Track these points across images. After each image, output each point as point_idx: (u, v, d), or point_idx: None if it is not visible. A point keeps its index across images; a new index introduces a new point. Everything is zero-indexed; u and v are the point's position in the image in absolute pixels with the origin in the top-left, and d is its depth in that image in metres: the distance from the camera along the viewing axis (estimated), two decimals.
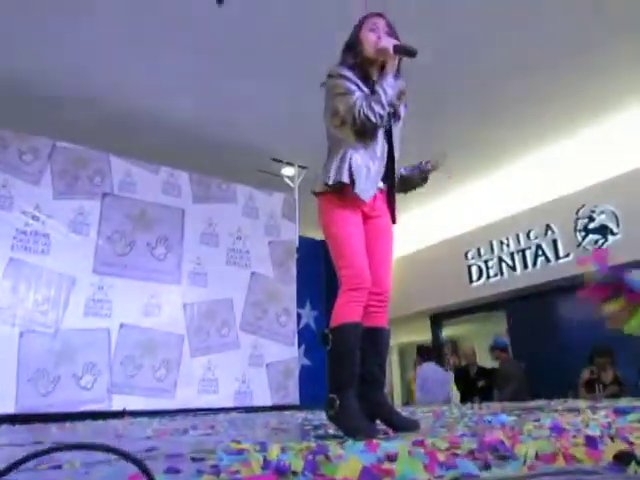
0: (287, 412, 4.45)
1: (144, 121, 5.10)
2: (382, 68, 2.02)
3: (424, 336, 8.21)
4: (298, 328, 5.87)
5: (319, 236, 2.13)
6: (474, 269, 6.57)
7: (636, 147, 5.24)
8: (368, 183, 1.96)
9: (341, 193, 1.95)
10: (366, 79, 2.03)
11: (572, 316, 5.97)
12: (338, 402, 1.75)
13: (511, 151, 5.94)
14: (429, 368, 5.83)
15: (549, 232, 5.84)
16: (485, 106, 5.07)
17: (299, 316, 6.10)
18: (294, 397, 5.35)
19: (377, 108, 1.86)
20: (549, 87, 4.80)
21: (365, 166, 1.96)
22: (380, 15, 2.07)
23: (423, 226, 7.33)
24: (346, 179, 1.90)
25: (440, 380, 5.75)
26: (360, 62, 2.02)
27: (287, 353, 5.46)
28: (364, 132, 1.95)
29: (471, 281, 6.57)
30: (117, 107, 4.88)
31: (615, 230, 5.27)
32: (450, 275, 6.75)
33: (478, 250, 6.55)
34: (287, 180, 6.12)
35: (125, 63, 4.39)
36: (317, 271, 6.41)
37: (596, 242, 5.41)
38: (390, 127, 2.07)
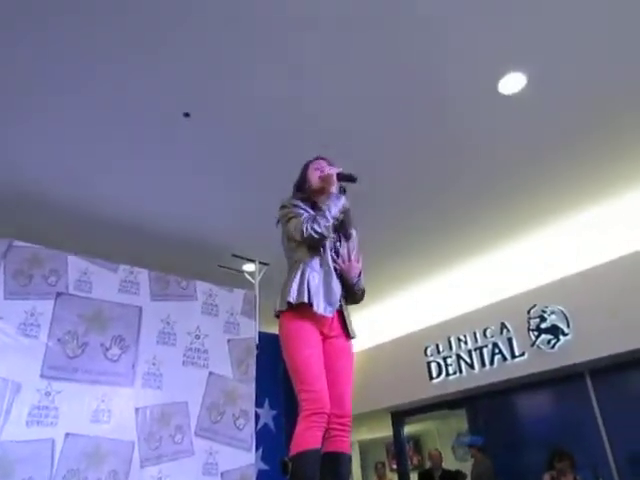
0: None
1: (104, 220, 5.11)
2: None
3: (385, 432, 8.03)
4: (256, 429, 5.64)
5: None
6: (433, 365, 6.59)
7: (583, 250, 5.55)
8: (329, 298, 2.09)
9: (302, 311, 2.04)
10: (314, 207, 2.27)
11: (530, 415, 6.01)
12: None
13: (466, 251, 6.19)
14: None
15: (504, 330, 5.99)
16: (440, 209, 5.31)
17: (257, 416, 5.88)
18: None
19: (322, 221, 2.09)
20: (502, 190, 5.09)
21: (325, 283, 2.10)
22: (323, 158, 2.44)
23: (383, 321, 7.39)
24: (305, 299, 2.03)
25: None
26: (309, 196, 2.32)
27: (244, 460, 5.20)
28: (313, 245, 2.15)
29: (431, 378, 6.57)
30: (76, 207, 4.90)
31: (566, 330, 5.46)
32: (410, 371, 6.74)
33: (437, 346, 6.62)
34: (248, 276, 6.14)
35: (82, 164, 4.44)
36: (276, 368, 6.28)
37: (549, 342, 5.56)
38: (338, 247, 2.28)
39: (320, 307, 2.04)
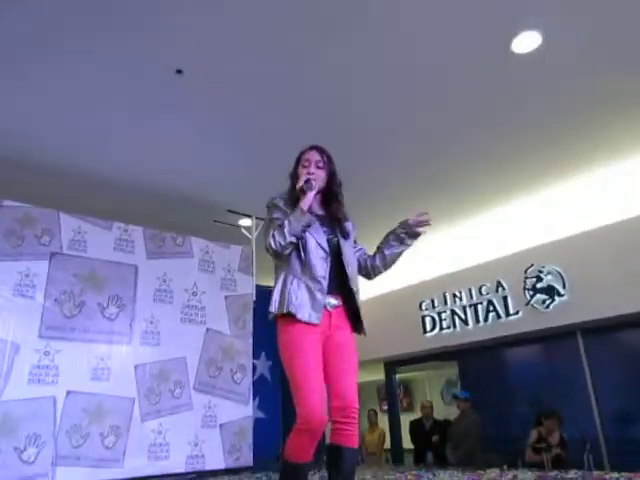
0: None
1: (96, 177, 4.95)
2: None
3: (378, 376, 8.28)
4: (253, 379, 5.78)
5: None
6: (428, 320, 6.69)
7: (584, 212, 5.48)
8: (314, 306, 2.04)
9: (292, 317, 2.02)
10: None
11: (521, 369, 6.18)
12: None
13: (465, 208, 6.11)
14: None
15: (500, 289, 6.02)
16: (442, 164, 5.16)
17: (254, 367, 6.01)
18: (248, 459, 5.26)
19: (279, 239, 2.05)
20: (505, 149, 4.94)
21: (309, 290, 2.06)
22: (315, 148, 2.30)
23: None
24: (285, 309, 2.03)
25: None
26: (297, 193, 2.20)
27: (241, 412, 5.36)
28: (275, 257, 2.14)
29: (425, 331, 6.68)
30: (67, 165, 4.72)
31: (562, 291, 5.48)
32: (405, 324, 6.85)
33: (432, 301, 6.68)
34: (245, 231, 6.07)
35: (74, 120, 4.23)
36: (272, 321, 6.33)
37: (544, 302, 5.61)
38: (338, 246, 2.20)
39: (305, 316, 2.02)
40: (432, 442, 5.92)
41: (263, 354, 6.42)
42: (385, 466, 5.94)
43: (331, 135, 4.59)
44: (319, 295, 2.06)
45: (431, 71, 3.86)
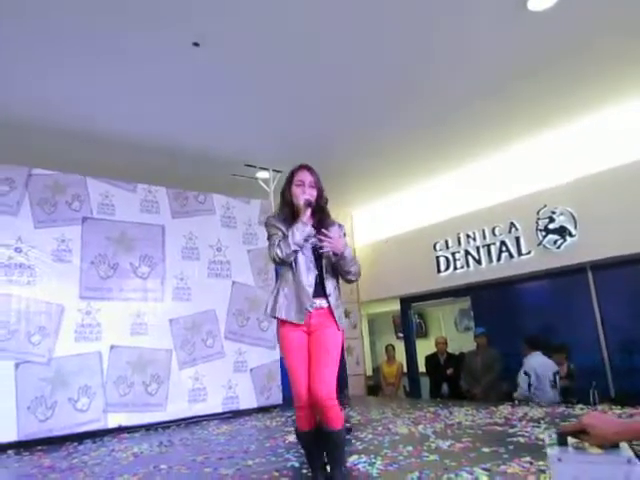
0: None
1: (115, 140, 5.06)
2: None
3: (393, 307, 8.66)
4: None
5: None
6: (442, 260, 6.93)
7: (597, 152, 5.53)
8: (299, 309, 2.41)
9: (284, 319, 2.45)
10: (295, 215, 2.54)
11: (532, 303, 6.45)
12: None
13: (480, 149, 6.16)
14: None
15: (513, 229, 6.19)
16: (453, 105, 5.16)
17: None
18: (277, 397, 5.72)
19: (285, 248, 2.40)
20: (518, 91, 4.91)
21: (296, 296, 2.43)
22: (305, 168, 2.60)
23: (395, 214, 7.61)
24: (275, 314, 2.44)
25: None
26: (291, 209, 2.56)
27: (269, 357, 5.78)
28: (281, 264, 2.48)
29: (439, 271, 6.94)
30: (86, 130, 4.83)
31: (573, 232, 5.65)
32: (419, 264, 7.10)
33: (446, 242, 6.89)
34: (262, 184, 6.22)
35: (90, 85, 4.30)
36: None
37: (555, 242, 5.79)
38: (321, 256, 2.50)
39: (290, 316, 2.40)
40: (447, 375, 6.33)
41: None
42: (403, 400, 6.39)
43: (343, 98, 4.67)
44: (305, 300, 2.41)
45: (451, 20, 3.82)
